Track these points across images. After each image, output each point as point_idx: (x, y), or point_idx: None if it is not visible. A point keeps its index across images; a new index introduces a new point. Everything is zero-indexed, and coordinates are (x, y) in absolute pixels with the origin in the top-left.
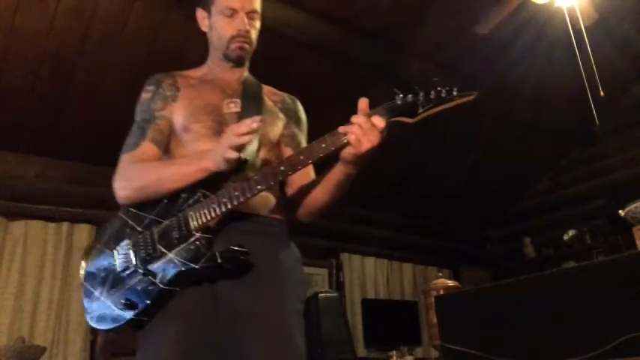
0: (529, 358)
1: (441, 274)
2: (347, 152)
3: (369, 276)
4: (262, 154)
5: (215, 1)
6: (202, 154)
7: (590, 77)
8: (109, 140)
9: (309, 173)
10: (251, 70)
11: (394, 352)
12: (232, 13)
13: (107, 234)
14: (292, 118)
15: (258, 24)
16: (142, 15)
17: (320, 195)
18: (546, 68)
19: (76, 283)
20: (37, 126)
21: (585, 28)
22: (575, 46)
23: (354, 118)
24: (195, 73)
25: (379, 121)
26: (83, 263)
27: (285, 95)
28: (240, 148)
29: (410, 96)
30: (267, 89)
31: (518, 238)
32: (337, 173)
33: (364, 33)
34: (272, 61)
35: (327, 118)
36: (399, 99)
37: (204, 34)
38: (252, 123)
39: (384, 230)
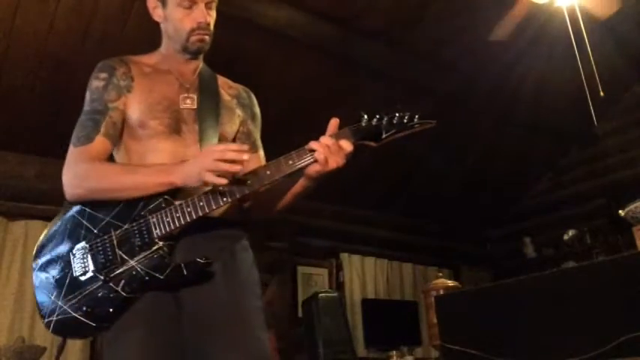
0: (529, 358)
1: (441, 274)
2: (312, 169)
3: (369, 276)
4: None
5: None
6: (169, 168)
7: (590, 77)
8: None
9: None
10: (248, 69)
11: (394, 352)
12: (191, 4)
13: (60, 233)
14: (248, 113)
15: (214, 13)
16: (142, 15)
17: (277, 200)
18: (546, 68)
19: None
20: (37, 126)
21: (585, 28)
22: (575, 46)
23: (323, 139)
24: (149, 59)
25: (347, 145)
26: (34, 264)
27: (241, 88)
28: (221, 174)
29: (375, 119)
30: (222, 81)
31: (518, 238)
32: (299, 186)
33: (364, 33)
34: (272, 61)
35: (326, 118)
36: (364, 122)
37: None
38: (241, 153)
39: (384, 230)
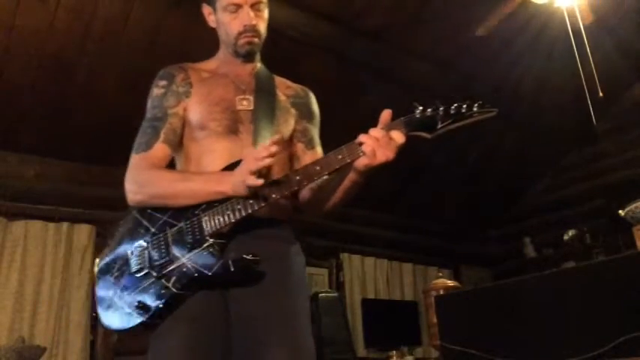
0: (529, 358)
1: (441, 274)
2: (360, 162)
3: (369, 276)
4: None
5: None
6: (221, 178)
7: (590, 77)
8: (109, 140)
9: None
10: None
11: (394, 352)
12: (236, 8)
13: (121, 233)
14: (304, 112)
15: (265, 14)
16: (142, 15)
17: (328, 197)
18: (546, 68)
19: (76, 283)
20: (37, 126)
21: (585, 28)
22: (575, 46)
23: (373, 131)
24: (208, 65)
25: (399, 137)
26: (97, 261)
27: (298, 88)
28: (260, 173)
29: (429, 110)
30: (279, 81)
31: (518, 238)
32: (347, 181)
33: (364, 33)
34: (271, 61)
35: (326, 117)
36: (418, 112)
37: (204, 33)
38: (271, 147)
39: (384, 230)
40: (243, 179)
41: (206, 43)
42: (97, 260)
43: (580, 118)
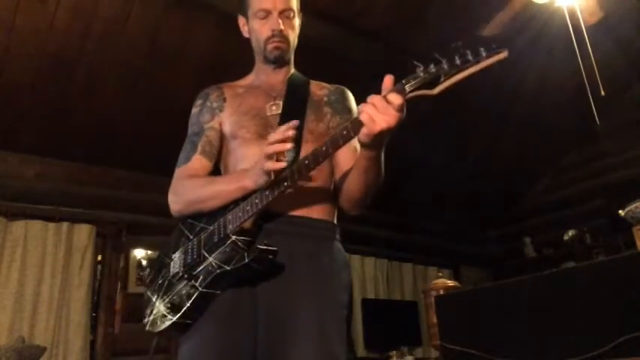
0: (529, 358)
1: (441, 274)
2: (362, 133)
3: (369, 276)
4: (307, 151)
5: (249, 5)
6: (242, 173)
7: (591, 77)
8: (109, 140)
9: (350, 163)
10: (248, 69)
11: (394, 352)
12: (266, 14)
13: (169, 244)
14: (339, 108)
15: (295, 22)
16: (141, 15)
17: (353, 184)
18: (546, 68)
19: (76, 283)
20: (37, 126)
21: (585, 27)
22: (576, 45)
23: (370, 98)
24: (243, 82)
25: (395, 98)
26: (145, 273)
27: (332, 87)
28: (277, 156)
29: (432, 66)
30: (314, 84)
31: (518, 238)
32: (361, 159)
33: (364, 33)
34: None
35: None
36: (420, 71)
37: (204, 33)
38: (286, 129)
39: (384, 230)
40: (260, 167)
41: (205, 43)
42: (146, 272)
43: (580, 118)
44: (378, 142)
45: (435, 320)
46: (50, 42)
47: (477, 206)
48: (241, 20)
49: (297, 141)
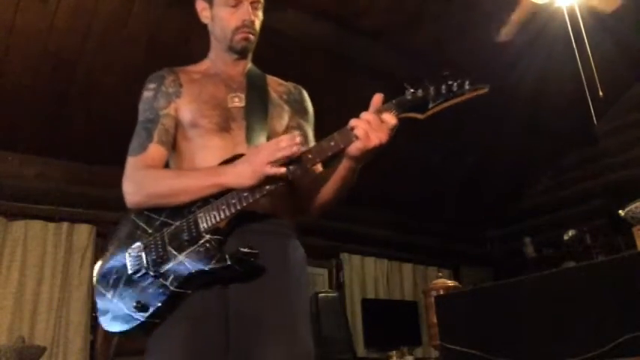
0: (529, 358)
1: (441, 274)
2: (354, 147)
3: (369, 276)
4: None
5: None
6: (220, 169)
7: (590, 77)
8: (109, 140)
9: (316, 168)
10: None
11: (394, 352)
12: (236, 3)
13: (119, 236)
14: (297, 109)
15: (261, 14)
16: (141, 14)
17: (326, 191)
18: (546, 68)
19: (76, 283)
20: (37, 126)
21: (585, 28)
22: (575, 46)
23: (364, 114)
24: (198, 67)
25: (390, 118)
26: (96, 266)
27: (290, 85)
28: (281, 162)
29: (420, 90)
30: (271, 80)
31: (518, 238)
32: (342, 169)
33: (364, 33)
34: (271, 60)
35: (326, 117)
36: (409, 94)
37: (204, 31)
38: (296, 137)
39: (384, 230)
40: (253, 169)
41: (207, 41)
42: (97, 265)
43: (580, 118)
44: (367, 157)
45: (435, 320)
46: (50, 42)
47: (477, 206)
48: (201, 4)
49: (260, 140)
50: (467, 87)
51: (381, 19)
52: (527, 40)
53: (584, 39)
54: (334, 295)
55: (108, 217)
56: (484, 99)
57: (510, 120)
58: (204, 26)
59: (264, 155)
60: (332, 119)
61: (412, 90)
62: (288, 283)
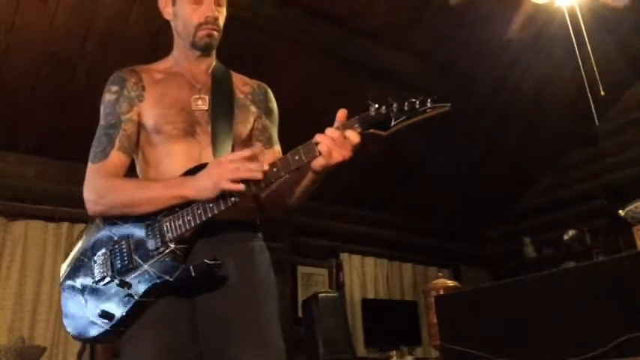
0: (529, 358)
1: (441, 274)
2: (317, 163)
3: (369, 276)
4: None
5: None
6: (182, 182)
7: (590, 77)
8: None
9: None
10: (248, 69)
11: (394, 352)
12: None
13: (85, 242)
14: (262, 109)
15: (224, 11)
16: (141, 15)
17: (292, 197)
18: (546, 68)
19: None
20: (37, 126)
21: (585, 28)
22: (575, 45)
23: (328, 131)
24: (161, 65)
25: (354, 137)
26: (62, 268)
27: (255, 84)
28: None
29: (383, 107)
30: (237, 78)
31: (518, 238)
32: (306, 180)
33: (364, 33)
34: (271, 61)
35: (326, 118)
36: (372, 110)
37: None
38: (263, 164)
39: (384, 230)
40: (214, 183)
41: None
42: (62, 268)
43: (580, 118)
44: (329, 171)
45: (435, 320)
46: (50, 42)
47: (477, 206)
48: (162, 1)
49: (226, 144)
50: (429, 105)
51: (381, 19)
52: (528, 40)
53: (584, 39)
54: (334, 295)
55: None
56: (484, 98)
57: (510, 120)
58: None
59: (227, 171)
60: (332, 119)
61: (376, 106)
62: (255, 286)
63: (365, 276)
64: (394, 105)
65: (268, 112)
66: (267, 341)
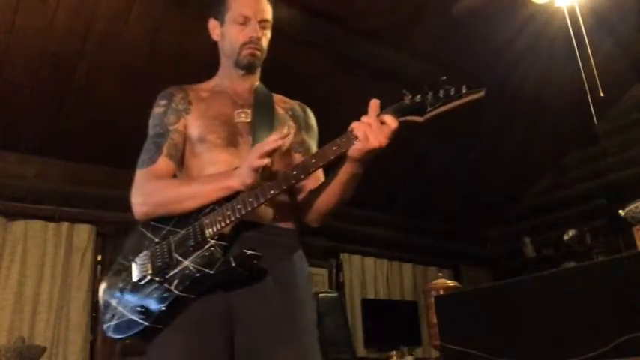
0: (529, 358)
1: (441, 274)
2: (354, 148)
3: (369, 276)
4: (274, 164)
5: (228, 9)
6: (226, 173)
7: (590, 77)
8: (109, 140)
9: (318, 177)
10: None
11: (394, 352)
12: (245, 20)
13: (127, 248)
14: (302, 125)
15: (268, 33)
16: (141, 15)
17: (327, 198)
18: (546, 68)
19: (76, 283)
20: (37, 126)
21: (585, 28)
22: (575, 46)
23: (364, 117)
24: (207, 85)
25: (391, 121)
26: (105, 277)
27: (295, 103)
28: (270, 155)
29: (418, 96)
30: (277, 97)
31: (518, 238)
32: (343, 173)
33: (364, 33)
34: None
35: (327, 118)
36: (407, 99)
37: (204, 32)
38: (283, 130)
39: (384, 230)
40: (248, 166)
41: (205, 43)
42: (106, 277)
43: (580, 118)
44: (366, 159)
45: (435, 320)
46: (50, 42)
47: (477, 206)
48: (212, 23)
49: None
50: (464, 91)
51: (381, 19)
52: (528, 40)
53: (584, 39)
54: (334, 295)
55: (108, 217)
56: (484, 99)
57: (511, 120)
58: (203, 28)
59: (255, 151)
60: (331, 119)
61: (410, 95)
62: (294, 290)
63: (365, 276)
64: (429, 93)
65: (307, 128)
66: (306, 347)
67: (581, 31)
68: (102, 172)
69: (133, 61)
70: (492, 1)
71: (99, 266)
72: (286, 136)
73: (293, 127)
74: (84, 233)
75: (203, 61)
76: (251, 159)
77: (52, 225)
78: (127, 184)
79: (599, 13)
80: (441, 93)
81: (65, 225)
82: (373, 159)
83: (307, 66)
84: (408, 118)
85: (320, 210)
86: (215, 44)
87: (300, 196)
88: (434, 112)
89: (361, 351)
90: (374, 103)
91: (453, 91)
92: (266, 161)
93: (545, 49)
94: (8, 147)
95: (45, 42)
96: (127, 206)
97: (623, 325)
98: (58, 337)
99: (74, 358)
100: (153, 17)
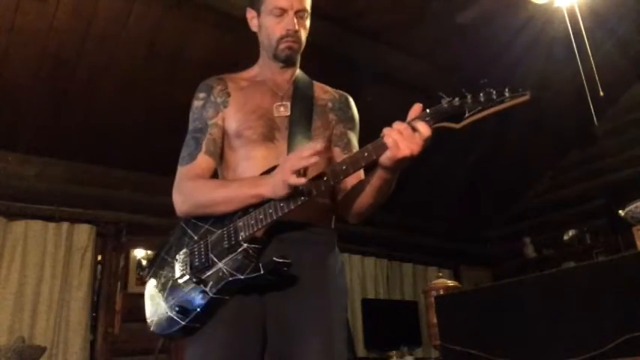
0: (529, 358)
1: (441, 274)
2: (384, 156)
3: (369, 276)
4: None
5: (264, 0)
6: (257, 181)
7: (590, 77)
8: (109, 140)
9: (358, 175)
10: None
11: (394, 352)
12: (281, 12)
13: (170, 242)
14: (342, 117)
15: (307, 23)
16: (141, 15)
17: (364, 199)
18: (546, 68)
19: (76, 283)
20: (37, 126)
21: (585, 28)
22: (575, 46)
23: (395, 124)
24: (247, 74)
25: (424, 129)
26: (148, 270)
27: (337, 93)
28: (299, 172)
29: (457, 99)
30: (317, 87)
31: (518, 238)
32: (376, 178)
33: (364, 33)
34: None
35: None
36: (445, 102)
37: (203, 32)
38: (317, 145)
39: (384, 230)
40: (282, 179)
41: (205, 43)
42: (146, 270)
43: (580, 118)
44: (398, 167)
45: (435, 320)
46: (50, 42)
47: (477, 206)
48: (250, 13)
49: None
50: (507, 94)
51: (381, 19)
52: (528, 40)
53: (584, 39)
54: None
55: (108, 217)
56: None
57: (511, 120)
58: (202, 28)
59: (289, 165)
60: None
61: (449, 99)
62: (326, 291)
63: (365, 276)
64: (469, 96)
65: (348, 119)
66: (334, 348)
67: (581, 32)
68: (102, 172)
69: (132, 61)
70: (494, 3)
71: (99, 266)
72: (321, 151)
73: (333, 120)
74: (84, 233)
75: (202, 62)
76: (286, 173)
77: (52, 225)
78: (127, 184)
79: (598, 13)
80: (482, 97)
81: (65, 225)
82: (406, 165)
83: (307, 66)
84: (443, 124)
85: (357, 209)
86: (248, 40)
87: (341, 193)
88: (473, 118)
89: (361, 351)
90: (415, 108)
91: (495, 95)
92: (301, 181)
93: (544, 49)
94: (8, 147)
95: (45, 42)
96: (126, 206)
97: (623, 325)
98: (58, 337)
99: (74, 358)
100: (152, 17)
